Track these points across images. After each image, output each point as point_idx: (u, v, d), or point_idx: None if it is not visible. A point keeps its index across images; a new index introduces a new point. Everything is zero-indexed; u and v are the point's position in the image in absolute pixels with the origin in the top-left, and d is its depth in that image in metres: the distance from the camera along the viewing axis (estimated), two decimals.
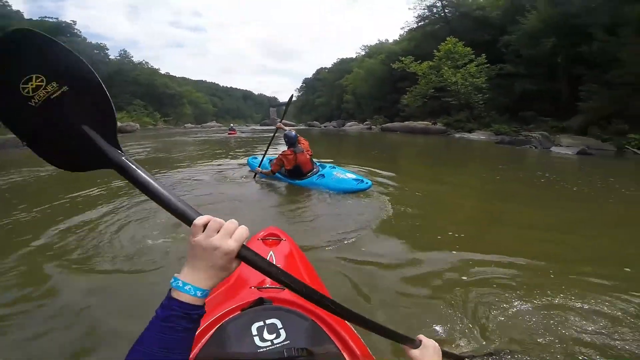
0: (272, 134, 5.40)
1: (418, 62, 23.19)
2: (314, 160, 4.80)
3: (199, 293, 0.50)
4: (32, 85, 0.56)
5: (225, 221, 0.53)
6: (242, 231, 0.53)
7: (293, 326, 0.86)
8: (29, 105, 0.57)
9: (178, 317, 0.48)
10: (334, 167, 4.61)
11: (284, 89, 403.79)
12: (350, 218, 3.37)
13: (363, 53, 48.49)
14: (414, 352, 0.73)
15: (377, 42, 47.34)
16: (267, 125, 52.76)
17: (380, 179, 5.23)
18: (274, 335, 0.82)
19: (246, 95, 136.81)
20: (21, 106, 0.57)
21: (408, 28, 32.20)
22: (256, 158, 5.80)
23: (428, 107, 25.28)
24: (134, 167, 0.60)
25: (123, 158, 0.61)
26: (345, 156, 8.87)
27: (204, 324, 0.92)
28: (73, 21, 38.08)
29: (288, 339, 0.81)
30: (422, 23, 30.97)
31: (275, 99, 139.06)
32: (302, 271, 1.37)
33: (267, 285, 1.12)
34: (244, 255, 0.53)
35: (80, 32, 38.69)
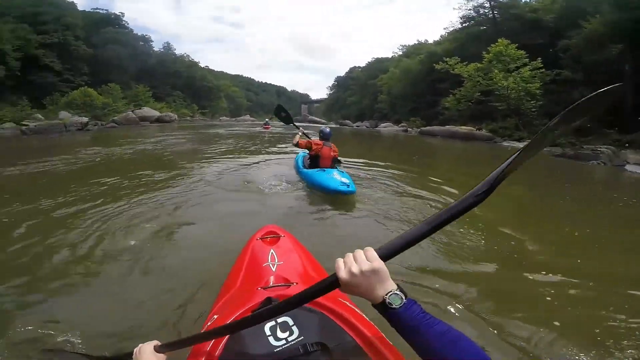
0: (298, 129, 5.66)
1: (464, 63, 21.99)
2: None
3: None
4: None
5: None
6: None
7: (304, 322, 0.87)
8: None
9: None
10: (341, 172, 4.56)
11: (317, 86, 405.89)
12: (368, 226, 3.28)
13: (400, 53, 47.18)
14: (344, 290, 0.61)
15: (417, 42, 45.93)
16: (299, 121, 52.89)
17: (423, 192, 4.77)
18: (287, 333, 0.83)
19: (280, 91, 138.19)
20: None
21: (452, 29, 30.85)
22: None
23: (469, 111, 24.12)
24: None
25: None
26: (385, 159, 8.39)
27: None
28: (121, 13, 39.71)
29: (302, 335, 0.82)
30: (467, 24, 29.70)
31: (307, 95, 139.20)
32: (306, 267, 1.36)
33: (272, 284, 1.13)
34: (164, 348, 0.77)
35: (128, 24, 40.36)
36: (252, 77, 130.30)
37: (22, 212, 3.47)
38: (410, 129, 28.43)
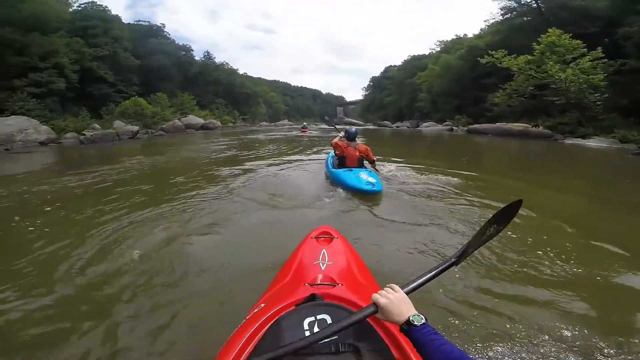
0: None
1: (513, 56, 20.29)
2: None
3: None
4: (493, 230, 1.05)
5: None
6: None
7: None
8: (483, 238, 1.06)
9: None
10: (368, 171, 4.70)
11: (351, 87, 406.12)
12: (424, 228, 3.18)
13: (438, 49, 45.12)
14: (379, 315, 0.81)
15: (455, 36, 43.72)
16: (336, 124, 52.45)
17: (477, 200, 4.17)
18: None
19: (315, 95, 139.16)
20: (484, 238, 1.05)
21: (493, 20, 28.84)
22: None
23: (521, 107, 22.23)
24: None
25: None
26: (432, 161, 7.79)
27: (261, 318, 0.98)
28: (162, 24, 41.59)
29: (337, 334, 0.82)
30: (509, 15, 27.68)
31: (342, 97, 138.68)
32: (354, 270, 1.39)
33: (318, 282, 1.18)
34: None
35: (170, 34, 42.17)
36: (288, 82, 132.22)
37: (71, 220, 3.64)
38: (455, 128, 26.78)
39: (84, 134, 18.32)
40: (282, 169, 6.56)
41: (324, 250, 1.43)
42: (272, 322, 0.96)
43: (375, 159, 5.12)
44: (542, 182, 6.06)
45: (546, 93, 18.85)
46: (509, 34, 25.37)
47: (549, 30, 18.15)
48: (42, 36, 22.57)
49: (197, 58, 48.11)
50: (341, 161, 4.96)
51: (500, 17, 28.17)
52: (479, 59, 22.53)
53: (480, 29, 34.46)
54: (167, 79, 37.11)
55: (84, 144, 16.37)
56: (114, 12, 35.31)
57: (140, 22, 40.67)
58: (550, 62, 17.38)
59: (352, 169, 4.70)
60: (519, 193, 4.59)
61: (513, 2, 26.68)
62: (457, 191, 4.58)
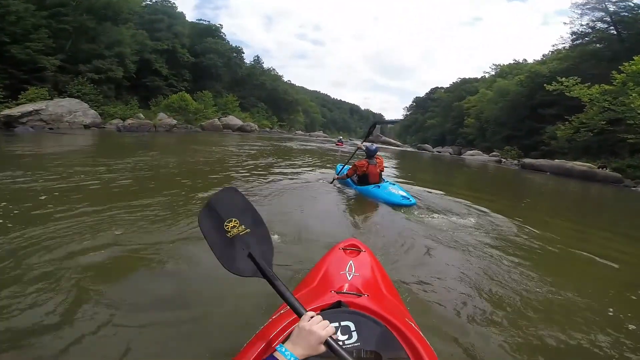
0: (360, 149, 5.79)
1: (586, 85, 18.33)
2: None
3: (292, 359, 0.72)
4: (231, 225, 1.02)
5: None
6: (330, 329, 0.78)
7: (366, 330, 0.91)
8: (226, 236, 1.01)
9: None
10: (393, 184, 4.99)
11: (390, 107, 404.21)
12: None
13: (493, 72, 43.03)
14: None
15: (513, 61, 41.46)
16: (371, 141, 51.44)
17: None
18: (346, 337, 0.89)
19: (353, 110, 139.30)
20: (222, 236, 1.01)
21: (562, 46, 26.70)
22: (343, 165, 6.37)
23: (582, 144, 19.99)
24: (278, 282, 0.95)
25: (272, 275, 0.97)
26: (486, 198, 6.64)
27: (287, 320, 1.00)
28: (220, 25, 42.56)
29: (359, 342, 0.87)
30: (581, 41, 25.48)
31: (381, 115, 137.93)
32: (379, 282, 1.41)
33: (345, 291, 1.20)
34: (329, 343, 0.75)
35: (225, 35, 43.16)
36: (327, 94, 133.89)
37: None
38: (504, 160, 24.38)
39: (122, 122, 18.81)
40: (309, 181, 6.30)
41: (350, 261, 1.46)
42: (296, 324, 0.95)
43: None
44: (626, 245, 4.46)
45: (618, 129, 16.72)
46: (580, 61, 23.28)
47: (635, 58, 16.11)
48: (112, 26, 23.85)
49: (246, 62, 49.66)
50: (363, 178, 5.07)
51: (570, 42, 26.07)
52: (545, 85, 20.63)
53: (543, 55, 32.33)
54: (216, 79, 38.24)
55: (121, 131, 16.67)
56: (180, 9, 37.47)
57: (202, 21, 42.35)
58: (634, 94, 15.30)
59: (379, 185, 4.92)
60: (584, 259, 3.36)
61: (587, 28, 24.53)
62: (502, 238, 3.64)
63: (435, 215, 4.25)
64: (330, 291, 1.20)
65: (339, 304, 1.05)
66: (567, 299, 2.30)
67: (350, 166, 5.36)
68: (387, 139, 54.06)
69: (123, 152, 8.66)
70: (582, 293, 2.39)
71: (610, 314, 2.16)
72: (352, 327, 0.92)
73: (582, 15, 23.92)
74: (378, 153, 5.18)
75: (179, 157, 8.35)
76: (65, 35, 20.31)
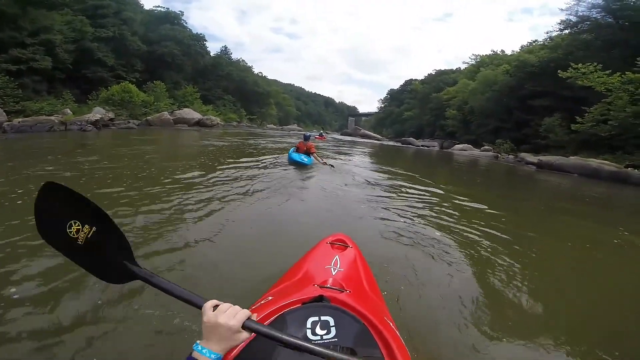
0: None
1: (607, 72, 16.33)
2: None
3: (213, 356, 0.66)
4: (74, 229, 0.83)
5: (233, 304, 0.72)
6: (242, 314, 0.70)
7: (344, 326, 0.91)
8: (78, 244, 0.84)
9: None
10: (305, 156, 7.83)
11: (365, 100, 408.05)
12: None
13: (473, 62, 41.47)
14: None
15: (492, 52, 40.13)
16: (348, 134, 49.24)
17: None
18: (325, 331, 0.88)
19: (328, 102, 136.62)
20: (73, 246, 0.84)
21: (556, 34, 24.95)
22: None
23: (579, 137, 18.37)
24: (151, 275, 0.83)
25: (144, 272, 0.85)
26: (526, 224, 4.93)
27: (268, 310, 1.02)
28: (181, 12, 38.26)
29: (337, 337, 0.87)
30: (575, 29, 23.87)
31: (355, 108, 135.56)
32: (363, 279, 1.41)
33: (329, 285, 1.20)
34: (250, 327, 0.70)
35: (187, 23, 38.96)
36: (302, 87, 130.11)
37: None
38: (500, 155, 21.96)
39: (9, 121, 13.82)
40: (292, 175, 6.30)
41: (337, 256, 1.47)
42: (277, 315, 0.98)
43: (315, 151, 8.09)
44: None
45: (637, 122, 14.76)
46: (573, 49, 21.18)
47: None
48: (38, 11, 19.87)
49: (213, 53, 45.51)
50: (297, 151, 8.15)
51: (559, 32, 24.41)
52: (559, 72, 18.41)
53: (527, 43, 30.89)
54: (175, 69, 33.98)
55: (7, 133, 11.99)
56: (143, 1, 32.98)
57: (159, 8, 37.59)
58: None
59: (299, 154, 7.89)
60: None
61: (584, 14, 22.71)
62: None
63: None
64: (313, 285, 1.20)
65: (320, 298, 1.07)
66: None
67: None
68: (366, 132, 51.85)
69: None
70: None
71: None
72: (332, 322, 0.91)
73: (579, 0, 22.13)
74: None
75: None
76: None
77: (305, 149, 7.95)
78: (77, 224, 0.84)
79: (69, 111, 17.16)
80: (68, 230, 0.84)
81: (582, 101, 18.09)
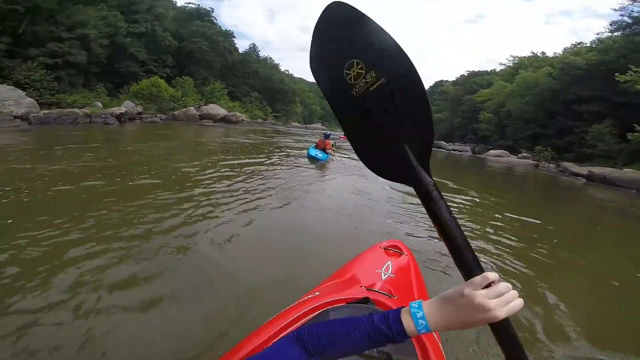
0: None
1: None
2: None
3: (423, 331, 0.50)
4: (353, 71, 0.56)
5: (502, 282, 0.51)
6: (517, 304, 0.49)
7: None
8: (352, 94, 0.57)
9: (386, 338, 0.50)
10: (321, 152, 8.79)
11: None
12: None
13: (511, 64, 39.10)
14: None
15: (531, 54, 37.63)
16: None
17: None
18: None
19: None
20: (346, 94, 0.58)
21: (606, 35, 22.84)
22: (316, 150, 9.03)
23: (633, 147, 16.51)
24: (438, 197, 0.55)
25: (430, 186, 0.56)
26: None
27: (312, 304, 1.00)
28: (211, 8, 38.94)
29: None
30: (629, 30, 21.71)
31: None
32: (414, 287, 1.36)
33: (376, 289, 1.16)
34: (499, 326, 0.50)
35: (217, 20, 39.18)
36: None
37: None
38: (541, 164, 20.01)
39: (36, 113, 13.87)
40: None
41: (389, 262, 1.44)
42: (320, 310, 0.97)
43: (330, 148, 9.03)
44: None
45: None
46: (627, 52, 18.97)
47: None
48: (75, 6, 20.53)
49: (241, 51, 45.63)
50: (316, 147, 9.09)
51: (610, 34, 22.34)
52: (616, 75, 16.65)
53: (572, 45, 28.66)
54: (204, 65, 34.32)
55: (32, 124, 11.95)
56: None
57: (190, 4, 38.15)
58: None
59: (316, 150, 8.79)
60: None
61: (627, 18, 20.76)
62: None
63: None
64: (361, 286, 1.19)
65: (366, 300, 1.06)
66: None
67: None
68: None
69: None
70: None
71: None
72: None
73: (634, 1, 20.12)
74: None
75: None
76: (15, 17, 17.26)
77: (322, 146, 9.03)
78: (359, 67, 0.56)
79: (99, 104, 17.47)
80: (345, 71, 0.57)
81: (638, 108, 16.26)
